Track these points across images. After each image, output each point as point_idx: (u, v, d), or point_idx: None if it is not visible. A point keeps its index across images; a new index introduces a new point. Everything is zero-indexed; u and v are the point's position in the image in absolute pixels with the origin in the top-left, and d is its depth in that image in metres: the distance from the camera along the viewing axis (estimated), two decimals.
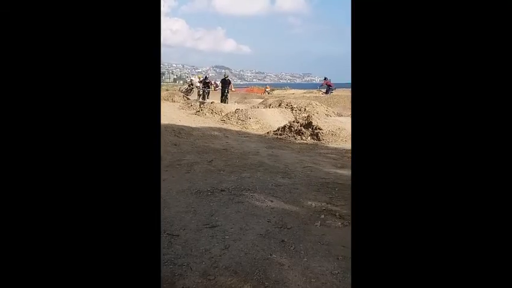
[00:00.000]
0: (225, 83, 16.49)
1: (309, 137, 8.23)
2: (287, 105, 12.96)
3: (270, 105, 13.91)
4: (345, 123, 9.05)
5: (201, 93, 17.91)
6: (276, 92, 26.60)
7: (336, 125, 8.70)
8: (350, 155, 6.48)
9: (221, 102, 15.47)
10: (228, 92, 16.36)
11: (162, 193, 3.88)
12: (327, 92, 21.32)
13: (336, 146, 7.54)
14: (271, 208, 3.67)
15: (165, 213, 3.46)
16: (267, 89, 28.93)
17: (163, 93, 16.60)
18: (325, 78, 22.79)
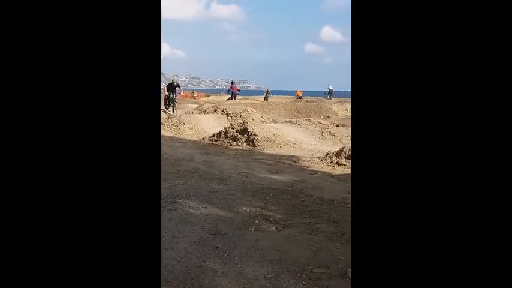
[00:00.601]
0: (172, 88, 14.21)
1: (245, 143, 8.29)
2: (222, 111, 12.99)
3: (206, 111, 13.84)
4: (279, 129, 9.25)
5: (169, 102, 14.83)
6: (211, 97, 26.75)
7: (271, 131, 8.85)
8: (284, 160, 6.61)
9: (166, 110, 13.79)
10: (175, 98, 14.18)
11: None
12: (232, 98, 22.34)
13: (270, 152, 7.66)
14: (206, 215, 3.63)
15: None
16: (193, 94, 29.52)
17: None
18: (232, 83, 24.13)
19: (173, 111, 13.81)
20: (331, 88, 26.33)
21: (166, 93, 14.14)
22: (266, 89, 26.17)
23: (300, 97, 26.32)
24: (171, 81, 15.17)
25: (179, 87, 14.95)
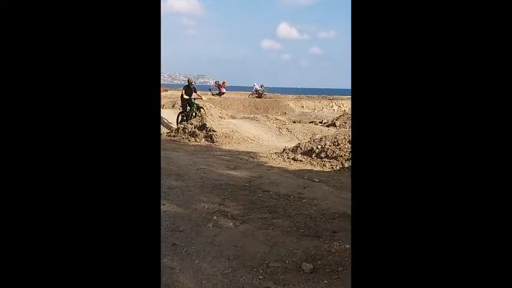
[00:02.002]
0: (190, 91, 11.30)
1: (203, 139, 8.25)
2: (180, 107, 12.80)
3: (164, 106, 13.60)
4: (238, 125, 9.26)
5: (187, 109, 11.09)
6: (169, 92, 26.21)
7: (230, 127, 8.85)
8: (242, 156, 6.63)
9: (189, 118, 10.59)
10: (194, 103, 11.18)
11: None
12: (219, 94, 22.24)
13: (229, 148, 7.66)
14: (163, 211, 3.58)
15: None
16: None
17: None
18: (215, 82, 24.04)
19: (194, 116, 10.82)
20: (256, 87, 24.63)
21: (186, 96, 10.95)
22: (259, 84, 24.40)
23: (219, 93, 24.27)
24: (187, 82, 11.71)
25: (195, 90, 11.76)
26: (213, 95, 22.05)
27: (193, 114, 10.80)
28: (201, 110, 11.14)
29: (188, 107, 10.95)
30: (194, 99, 11.18)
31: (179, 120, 11.00)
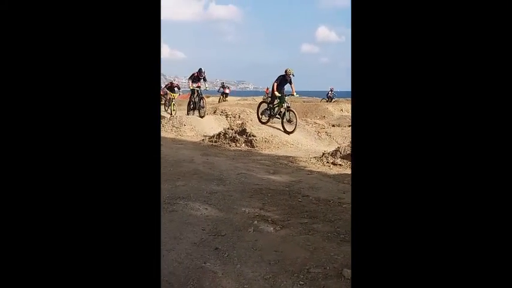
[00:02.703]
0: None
1: (243, 144, 8.31)
2: (222, 112, 13.00)
3: (206, 113, 13.85)
4: (276, 130, 9.26)
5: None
6: (210, 99, 26.72)
7: (269, 132, 8.87)
8: (282, 161, 6.64)
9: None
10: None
11: None
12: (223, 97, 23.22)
13: (269, 153, 7.69)
14: (206, 216, 3.66)
15: None
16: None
17: None
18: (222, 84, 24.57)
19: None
20: (330, 91, 24.62)
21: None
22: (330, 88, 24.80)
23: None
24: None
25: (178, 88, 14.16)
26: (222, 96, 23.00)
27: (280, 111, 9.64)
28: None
29: (277, 101, 9.70)
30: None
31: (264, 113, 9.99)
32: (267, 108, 10.01)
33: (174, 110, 13.44)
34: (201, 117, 11.54)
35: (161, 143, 8.57)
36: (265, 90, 25.06)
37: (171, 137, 9.87)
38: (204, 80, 11.98)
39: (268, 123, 9.70)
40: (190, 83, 11.93)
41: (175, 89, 14.40)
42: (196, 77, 11.94)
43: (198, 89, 11.82)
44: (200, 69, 11.94)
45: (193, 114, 11.87)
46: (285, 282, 2.45)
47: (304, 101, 22.65)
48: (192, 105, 12.05)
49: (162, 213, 3.67)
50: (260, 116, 9.99)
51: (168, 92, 13.98)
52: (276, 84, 9.65)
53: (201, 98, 11.74)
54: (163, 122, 11.05)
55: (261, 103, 10.59)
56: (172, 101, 13.66)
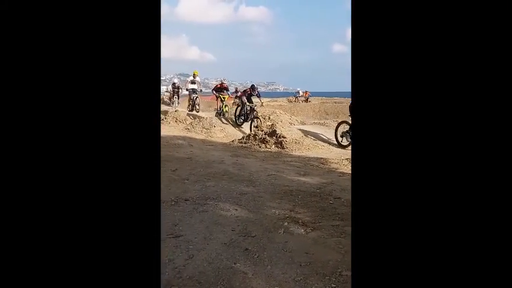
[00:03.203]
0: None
1: (273, 145, 8.30)
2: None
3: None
4: (308, 131, 9.19)
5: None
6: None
7: (299, 133, 8.82)
8: (312, 162, 6.57)
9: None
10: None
11: None
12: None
13: (299, 154, 7.64)
14: (236, 217, 3.66)
15: None
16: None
17: None
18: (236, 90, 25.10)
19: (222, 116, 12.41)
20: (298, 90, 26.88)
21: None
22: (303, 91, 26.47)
23: (306, 99, 25.48)
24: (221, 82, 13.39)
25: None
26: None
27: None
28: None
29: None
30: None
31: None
32: (240, 115, 11.79)
33: (226, 113, 12.69)
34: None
35: (191, 143, 8.67)
36: (304, 93, 25.69)
37: (200, 138, 9.98)
38: (258, 96, 11.92)
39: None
40: (245, 99, 11.74)
41: (225, 91, 13.46)
42: (249, 95, 11.77)
43: (252, 104, 11.60)
44: (253, 86, 12.00)
45: (241, 125, 11.80)
46: (316, 285, 2.41)
47: (335, 102, 22.38)
48: (243, 117, 11.82)
49: (192, 214, 3.71)
50: (340, 139, 8.95)
51: (218, 95, 13.14)
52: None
53: (252, 110, 11.50)
54: (193, 123, 11.17)
55: (340, 123, 9.19)
56: (225, 107, 12.82)
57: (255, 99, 11.68)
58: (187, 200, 4.14)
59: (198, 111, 13.08)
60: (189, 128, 10.97)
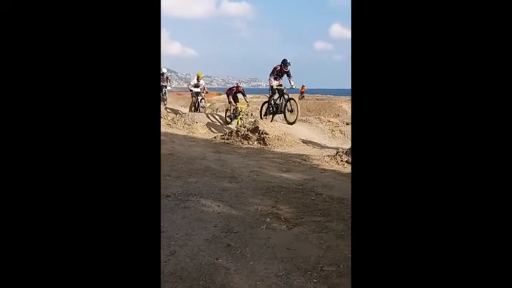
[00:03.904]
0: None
1: (256, 142, 8.31)
2: (233, 111, 13.01)
3: (217, 109, 13.89)
4: (290, 128, 9.24)
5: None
6: (222, 96, 26.66)
7: (282, 130, 8.85)
8: (294, 159, 6.61)
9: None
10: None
11: None
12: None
13: (281, 151, 7.67)
14: (218, 213, 3.66)
15: None
16: (206, 92, 29.58)
17: None
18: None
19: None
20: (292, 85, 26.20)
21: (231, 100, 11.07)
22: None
23: (302, 94, 24.97)
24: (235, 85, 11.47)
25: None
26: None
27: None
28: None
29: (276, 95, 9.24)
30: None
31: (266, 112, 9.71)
32: (268, 107, 9.89)
33: (240, 122, 10.57)
34: (291, 123, 9.28)
35: (173, 139, 8.60)
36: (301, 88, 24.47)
37: (182, 134, 9.92)
38: (288, 75, 9.53)
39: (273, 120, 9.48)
40: (272, 80, 9.62)
41: (240, 94, 11.81)
42: (279, 72, 9.52)
43: (281, 87, 9.38)
44: (284, 61, 9.44)
45: (271, 119, 9.75)
46: (298, 280, 2.44)
47: (317, 99, 22.58)
48: (272, 108, 9.78)
49: (174, 210, 3.69)
50: (263, 117, 9.47)
51: (232, 100, 11.55)
52: (272, 77, 9.49)
53: (288, 100, 9.30)
54: (174, 118, 11.08)
55: (264, 103, 9.84)
56: (240, 114, 11.35)
57: (241, 98, 11.27)
58: (169, 196, 4.12)
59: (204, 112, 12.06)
60: (170, 123, 10.89)
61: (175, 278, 2.40)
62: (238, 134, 8.67)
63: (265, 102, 10.23)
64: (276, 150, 7.77)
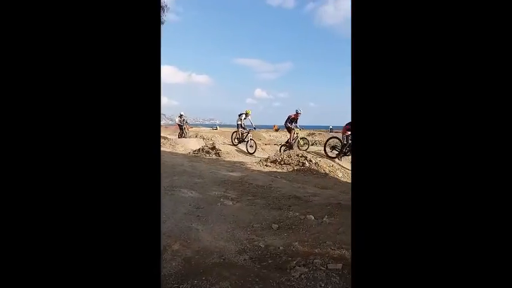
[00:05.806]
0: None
1: (214, 155, 8.19)
2: (200, 136, 12.75)
3: (190, 136, 13.50)
4: (233, 147, 9.24)
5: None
6: (193, 129, 25.30)
7: (229, 148, 8.84)
8: (237, 164, 6.59)
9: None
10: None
11: None
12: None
13: (229, 160, 7.64)
14: (191, 197, 3.56)
15: None
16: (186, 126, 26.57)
17: None
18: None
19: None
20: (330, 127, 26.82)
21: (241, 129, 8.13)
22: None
23: (277, 130, 22.19)
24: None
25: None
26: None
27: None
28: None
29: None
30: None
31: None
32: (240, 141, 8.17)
33: (304, 144, 7.30)
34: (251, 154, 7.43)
35: (163, 154, 8.14)
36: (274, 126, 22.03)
37: (168, 151, 9.46)
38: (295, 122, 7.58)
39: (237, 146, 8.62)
40: (289, 125, 7.75)
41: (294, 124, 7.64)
42: (293, 119, 7.68)
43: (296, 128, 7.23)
44: (297, 111, 7.47)
45: (237, 145, 7.98)
46: (239, 233, 2.45)
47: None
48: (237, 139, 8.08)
49: (163, 196, 3.52)
50: (329, 151, 6.74)
51: (292, 126, 7.55)
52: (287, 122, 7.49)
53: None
54: (163, 141, 10.55)
55: (329, 138, 7.14)
56: (300, 138, 7.49)
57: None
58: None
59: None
60: (161, 144, 10.33)
61: (165, 237, 2.30)
62: (203, 150, 8.48)
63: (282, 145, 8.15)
64: (226, 159, 7.72)
